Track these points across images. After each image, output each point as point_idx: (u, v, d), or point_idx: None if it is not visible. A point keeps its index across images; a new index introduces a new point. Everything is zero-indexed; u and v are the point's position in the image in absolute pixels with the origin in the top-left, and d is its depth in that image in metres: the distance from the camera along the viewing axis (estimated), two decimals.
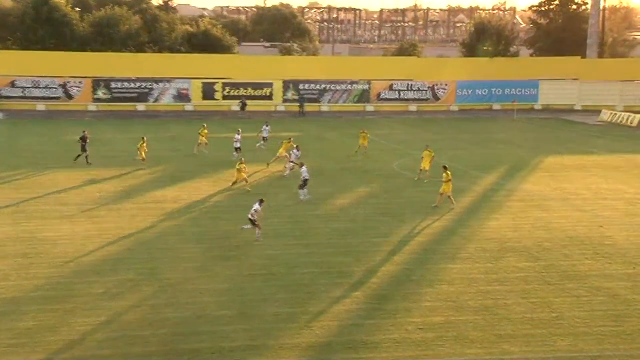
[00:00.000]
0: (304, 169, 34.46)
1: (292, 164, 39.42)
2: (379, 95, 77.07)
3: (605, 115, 70.32)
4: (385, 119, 69.50)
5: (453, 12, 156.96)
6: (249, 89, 73.94)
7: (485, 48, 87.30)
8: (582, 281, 23.46)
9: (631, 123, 66.16)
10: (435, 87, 78.06)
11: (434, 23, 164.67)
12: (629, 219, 31.49)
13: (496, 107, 78.31)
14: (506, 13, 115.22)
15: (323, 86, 75.72)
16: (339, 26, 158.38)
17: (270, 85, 74.53)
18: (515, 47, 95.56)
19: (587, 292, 22.47)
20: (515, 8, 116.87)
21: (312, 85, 75.64)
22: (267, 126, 49.93)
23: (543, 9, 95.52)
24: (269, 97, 74.57)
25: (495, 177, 41.01)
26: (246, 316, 20.60)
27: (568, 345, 18.85)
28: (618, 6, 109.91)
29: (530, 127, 65.21)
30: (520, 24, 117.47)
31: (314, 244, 27.58)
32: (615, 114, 69.96)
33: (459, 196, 36.24)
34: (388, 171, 42.33)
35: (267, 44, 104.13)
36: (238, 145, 44.45)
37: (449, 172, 33.31)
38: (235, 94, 73.66)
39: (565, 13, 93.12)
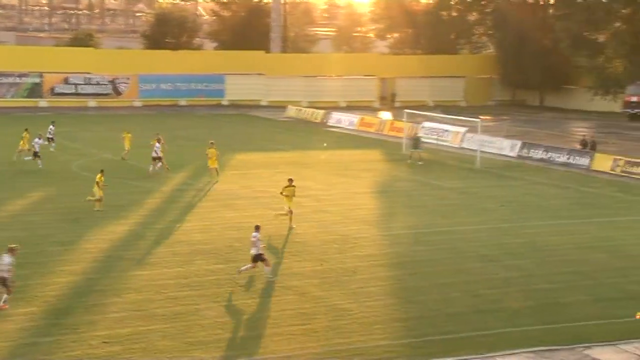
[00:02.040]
0: None
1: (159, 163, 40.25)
2: (52, 89, 74.38)
3: (291, 111, 74.09)
4: (61, 116, 67.16)
5: (132, 1, 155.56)
6: None
7: (167, 40, 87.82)
8: (272, 281, 24.51)
9: (315, 118, 70.37)
10: (116, 81, 77.05)
11: (112, 12, 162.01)
12: (316, 216, 33.46)
13: (182, 102, 79.09)
14: (188, 4, 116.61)
15: None
16: (2, 11, 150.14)
17: None
18: (199, 39, 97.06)
19: (277, 292, 23.49)
20: None
21: None
22: (52, 126, 47.90)
23: (225, 1, 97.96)
24: None
25: (183, 176, 41.45)
26: None
27: (259, 347, 19.56)
28: (298, 1, 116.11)
29: (218, 123, 66.71)
30: (204, 16, 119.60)
31: None
32: (301, 110, 74.00)
33: (146, 197, 36.18)
34: (66, 172, 41.03)
35: None
36: (37, 149, 41.70)
37: (294, 186, 31.22)
38: None
39: (248, 6, 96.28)
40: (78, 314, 21.37)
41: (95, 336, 19.85)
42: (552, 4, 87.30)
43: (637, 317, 21.52)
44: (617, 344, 19.93)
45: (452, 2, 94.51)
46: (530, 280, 25.13)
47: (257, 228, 24.17)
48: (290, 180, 31.56)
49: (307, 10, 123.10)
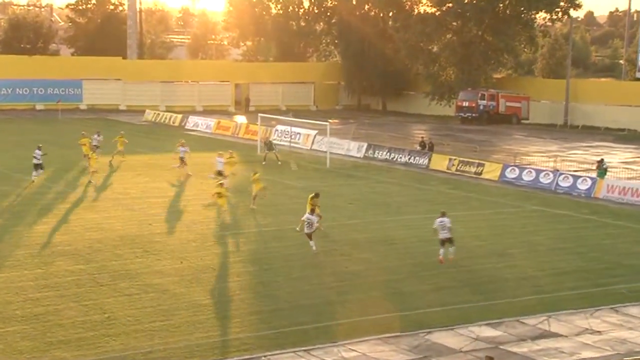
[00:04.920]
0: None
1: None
2: None
3: (149, 115, 72.76)
4: None
5: None
6: None
7: (22, 45, 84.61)
8: (134, 279, 23.97)
9: (173, 122, 69.40)
10: None
11: None
12: (175, 216, 32.97)
13: (39, 106, 76.27)
14: (42, 10, 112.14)
15: None
16: None
17: None
18: (55, 45, 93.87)
19: (138, 290, 23.00)
20: (52, 5, 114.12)
21: None
22: (98, 135, 46.15)
23: (80, 7, 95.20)
24: None
25: (41, 179, 39.86)
26: None
27: (120, 344, 19.09)
28: (154, 8, 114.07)
29: (76, 127, 64.57)
30: (59, 22, 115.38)
31: None
32: (159, 114, 72.80)
33: (3, 200, 34.60)
34: None
35: None
36: (37, 161, 38.83)
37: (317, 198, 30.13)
38: None
39: (103, 13, 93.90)
40: None
41: None
42: (391, 16, 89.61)
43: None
44: (454, 329, 20.66)
45: (300, 13, 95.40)
46: (377, 272, 25.69)
47: (443, 214, 26.49)
48: (317, 194, 30.54)
49: (162, 18, 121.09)
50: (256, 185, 34.42)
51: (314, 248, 27.19)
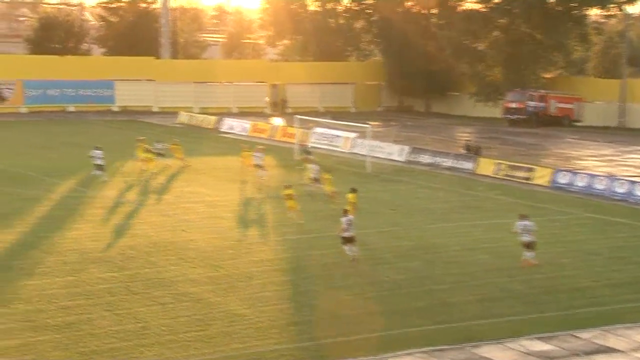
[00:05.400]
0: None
1: None
2: None
3: (183, 117, 73.34)
4: None
5: (14, 4, 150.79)
6: None
7: (53, 45, 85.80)
8: (168, 288, 24.17)
9: (207, 124, 69.86)
10: (0, 87, 74.52)
11: None
12: (210, 222, 33.16)
13: (70, 108, 77.26)
14: (74, 9, 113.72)
15: None
16: None
17: None
18: (86, 44, 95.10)
19: (173, 299, 23.18)
20: (83, 4, 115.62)
21: None
22: (159, 144, 47.02)
23: (112, 5, 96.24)
24: None
25: (73, 183, 40.44)
26: None
27: (154, 355, 19.26)
28: (187, 6, 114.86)
29: (107, 130, 65.38)
30: (91, 21, 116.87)
31: None
32: (192, 116, 73.37)
33: (34, 205, 35.10)
34: None
35: None
36: (100, 162, 40.66)
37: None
38: None
39: (135, 11, 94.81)
40: None
41: None
42: (434, 14, 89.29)
43: None
44: (503, 342, 20.49)
45: (338, 10, 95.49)
46: (420, 281, 25.59)
47: (524, 217, 27.63)
48: (354, 189, 32.79)
49: (196, 16, 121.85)
50: (328, 186, 37.62)
51: (354, 254, 26.99)
